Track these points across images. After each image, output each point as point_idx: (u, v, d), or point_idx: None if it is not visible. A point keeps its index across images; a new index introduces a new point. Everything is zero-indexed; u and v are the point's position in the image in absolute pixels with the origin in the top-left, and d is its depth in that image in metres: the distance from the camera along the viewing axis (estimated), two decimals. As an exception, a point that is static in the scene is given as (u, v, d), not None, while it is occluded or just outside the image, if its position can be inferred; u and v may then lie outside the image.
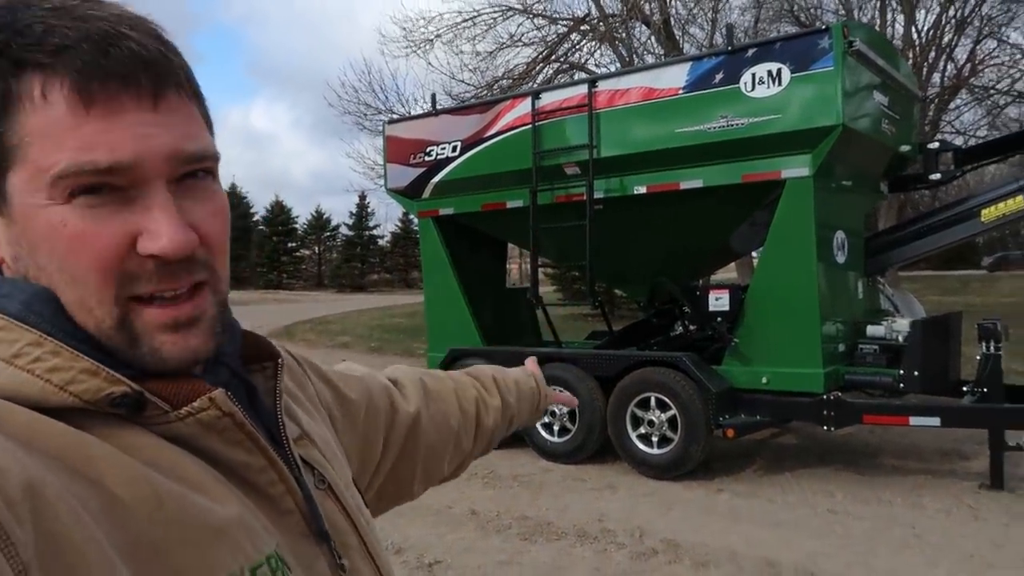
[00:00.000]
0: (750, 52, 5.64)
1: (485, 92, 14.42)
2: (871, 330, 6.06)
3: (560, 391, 1.47)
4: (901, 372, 5.62)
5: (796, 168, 5.52)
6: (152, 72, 0.58)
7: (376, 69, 20.77)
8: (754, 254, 9.29)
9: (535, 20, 15.00)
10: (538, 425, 6.58)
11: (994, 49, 15.64)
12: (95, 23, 0.57)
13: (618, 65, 14.54)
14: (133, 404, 0.57)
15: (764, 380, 5.80)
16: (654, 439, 5.96)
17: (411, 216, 7.86)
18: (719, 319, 6.10)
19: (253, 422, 0.64)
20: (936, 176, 6.71)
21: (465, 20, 14.86)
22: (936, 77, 15.77)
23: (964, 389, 5.84)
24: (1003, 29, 15.37)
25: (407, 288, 45.76)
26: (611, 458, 6.33)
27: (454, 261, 7.59)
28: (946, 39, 15.33)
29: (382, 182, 8.09)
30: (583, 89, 6.48)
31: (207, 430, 0.60)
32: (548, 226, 6.84)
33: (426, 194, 7.59)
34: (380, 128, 8.32)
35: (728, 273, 14.20)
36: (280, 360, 0.73)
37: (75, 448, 0.53)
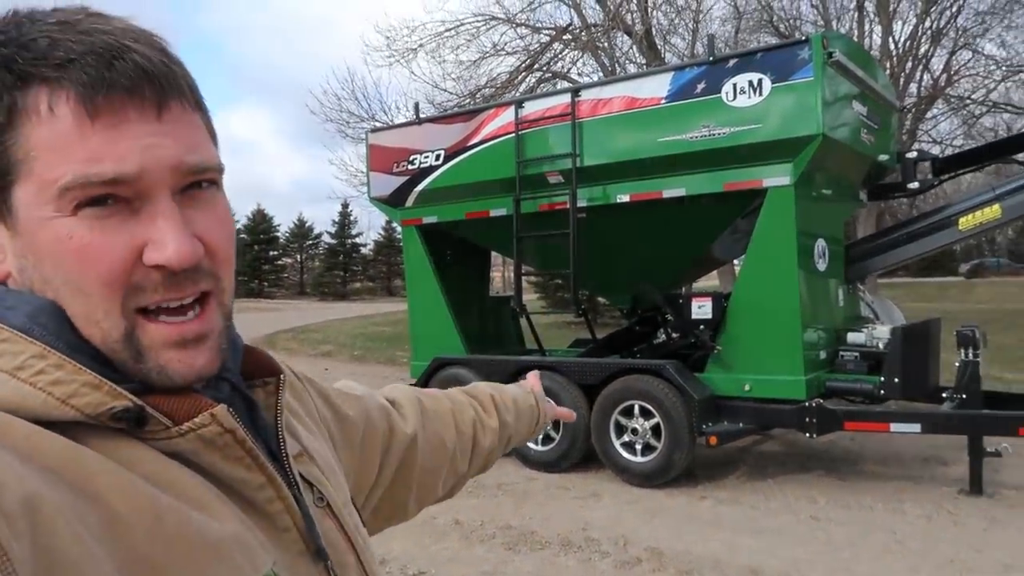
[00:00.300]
0: (731, 62, 5.69)
1: (468, 101, 14.44)
2: (852, 337, 6.12)
3: (553, 403, 1.46)
4: (882, 379, 5.67)
5: (777, 177, 5.57)
6: (156, 84, 0.58)
7: (359, 77, 20.77)
8: (736, 262, 9.37)
9: (518, 29, 15.07)
10: (522, 434, 6.57)
11: (969, 60, 15.90)
12: (100, 36, 0.57)
13: (601, 74, 14.62)
14: (134, 419, 0.57)
15: (746, 387, 5.83)
16: (638, 447, 5.98)
17: (394, 224, 7.86)
18: (702, 327, 6.13)
19: (253, 438, 0.63)
20: (914, 185, 6.79)
21: (448, 29, 14.91)
22: (913, 87, 15.98)
23: (943, 395, 5.90)
24: (977, 40, 15.62)
25: (390, 296, 45.66)
26: (595, 466, 6.34)
27: (438, 269, 7.59)
28: (922, 50, 15.56)
29: (365, 190, 8.09)
30: (566, 98, 6.51)
31: (208, 446, 0.60)
32: (532, 234, 6.85)
33: (409, 202, 7.58)
34: (363, 136, 8.30)
35: (711, 281, 14.29)
36: (282, 376, 0.73)
37: (75, 462, 0.53)
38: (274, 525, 0.64)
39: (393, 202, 7.71)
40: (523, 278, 7.43)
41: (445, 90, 15.39)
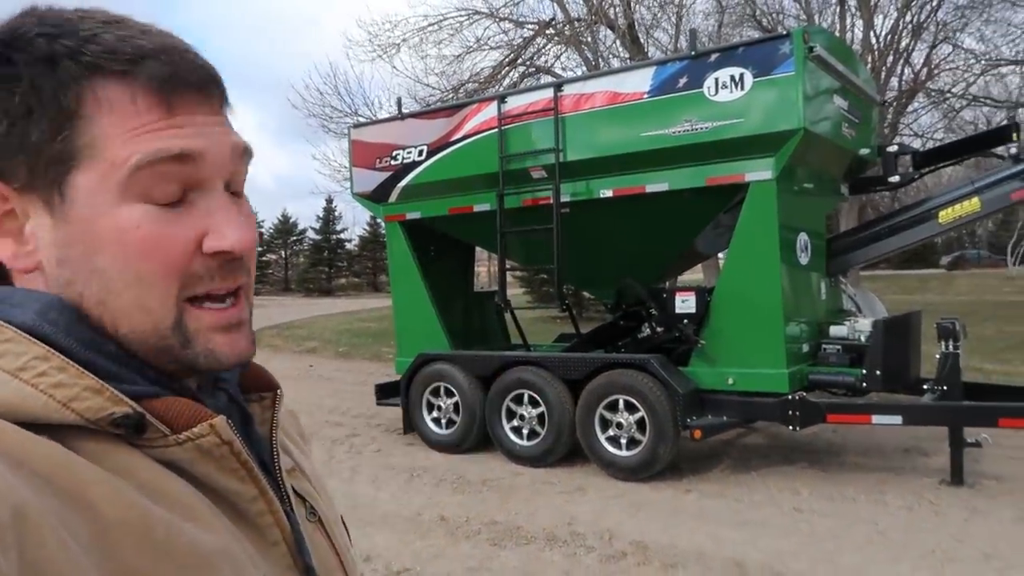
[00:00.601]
0: (713, 57, 5.70)
1: (451, 96, 14.40)
2: (834, 330, 6.16)
3: None
4: (863, 371, 5.71)
5: (759, 171, 5.59)
6: (216, 83, 0.64)
7: (342, 72, 20.48)
8: (721, 256, 9.41)
9: (501, 24, 15.03)
10: (507, 429, 6.58)
11: (949, 54, 15.99)
12: (159, 38, 0.61)
13: (584, 69, 14.62)
14: (134, 426, 0.56)
15: (730, 381, 5.86)
16: (623, 441, 5.99)
17: (379, 220, 7.83)
18: (685, 321, 6.16)
19: (248, 451, 0.63)
20: (895, 178, 6.85)
21: (431, 24, 14.85)
22: (894, 81, 16.08)
23: (924, 387, 5.96)
24: (957, 35, 15.72)
25: (375, 292, 45.48)
26: (580, 461, 6.35)
27: (422, 265, 7.57)
28: (903, 44, 15.64)
29: (348, 185, 8.03)
30: (549, 93, 6.50)
31: (204, 456, 0.59)
32: (515, 230, 6.85)
33: (392, 198, 7.55)
34: (346, 131, 8.25)
35: (695, 275, 14.35)
36: (279, 391, 0.73)
37: (67, 470, 0.52)
38: (263, 538, 0.63)
39: (376, 198, 7.68)
40: (508, 273, 7.43)
41: (428, 85, 15.36)
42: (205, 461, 0.60)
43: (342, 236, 50.39)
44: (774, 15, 15.94)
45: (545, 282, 15.78)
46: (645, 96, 5.94)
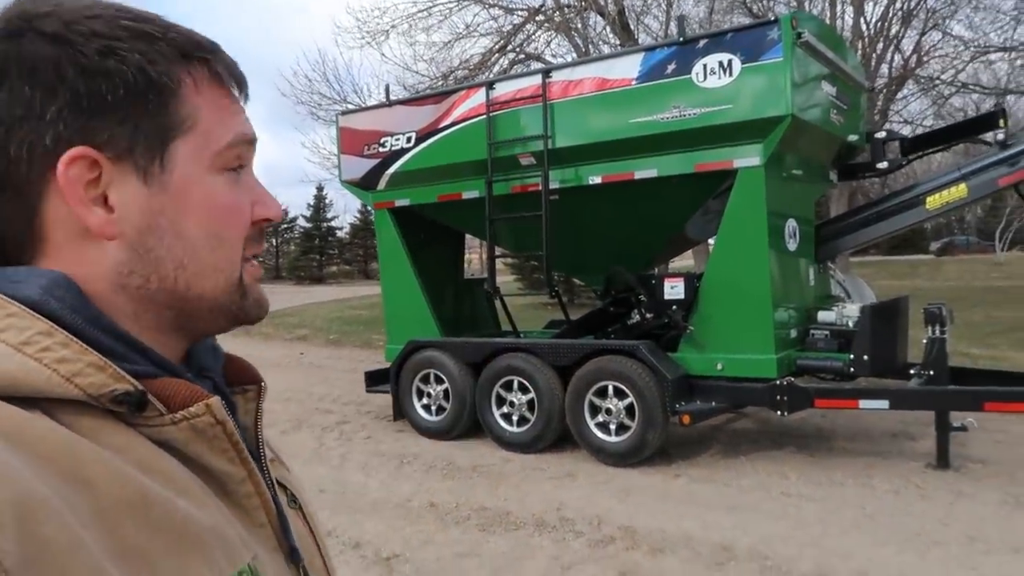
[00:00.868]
0: (701, 43, 5.69)
1: (441, 83, 14.32)
2: (822, 316, 6.19)
3: None
4: (851, 357, 5.74)
5: (747, 158, 5.59)
6: (246, 80, 0.72)
7: (331, 59, 20.47)
8: (711, 242, 9.42)
9: (491, 10, 14.93)
10: (497, 415, 6.60)
11: (939, 41, 15.99)
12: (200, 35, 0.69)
13: (574, 55, 14.55)
14: (135, 403, 0.57)
15: (719, 367, 5.88)
16: (612, 427, 6.01)
17: (369, 207, 7.81)
18: (674, 307, 6.17)
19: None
20: (883, 164, 6.86)
21: (420, 10, 14.73)
22: (885, 68, 16.08)
23: (911, 372, 6.00)
24: (947, 21, 15.70)
25: (367, 279, 45.35)
26: (570, 447, 6.37)
27: (411, 252, 7.56)
28: (893, 31, 15.63)
29: (338, 173, 8.00)
30: (537, 80, 6.47)
31: (198, 436, 0.60)
32: (504, 216, 6.84)
33: (381, 185, 7.52)
34: (335, 118, 8.21)
35: (686, 261, 14.37)
36: (263, 383, 0.75)
37: (66, 449, 0.52)
38: (251, 519, 0.65)
39: (365, 185, 7.65)
40: (499, 259, 7.42)
41: (417, 72, 15.26)
42: (198, 441, 0.61)
43: (333, 224, 50.20)
44: (765, 1, 15.90)
45: (536, 269, 15.76)
46: (633, 82, 5.92)
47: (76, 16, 0.60)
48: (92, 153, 0.60)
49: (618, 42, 14.24)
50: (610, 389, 6.04)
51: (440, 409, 7.01)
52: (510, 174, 6.68)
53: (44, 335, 0.56)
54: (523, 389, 6.49)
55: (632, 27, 14.59)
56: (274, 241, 52.54)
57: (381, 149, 7.39)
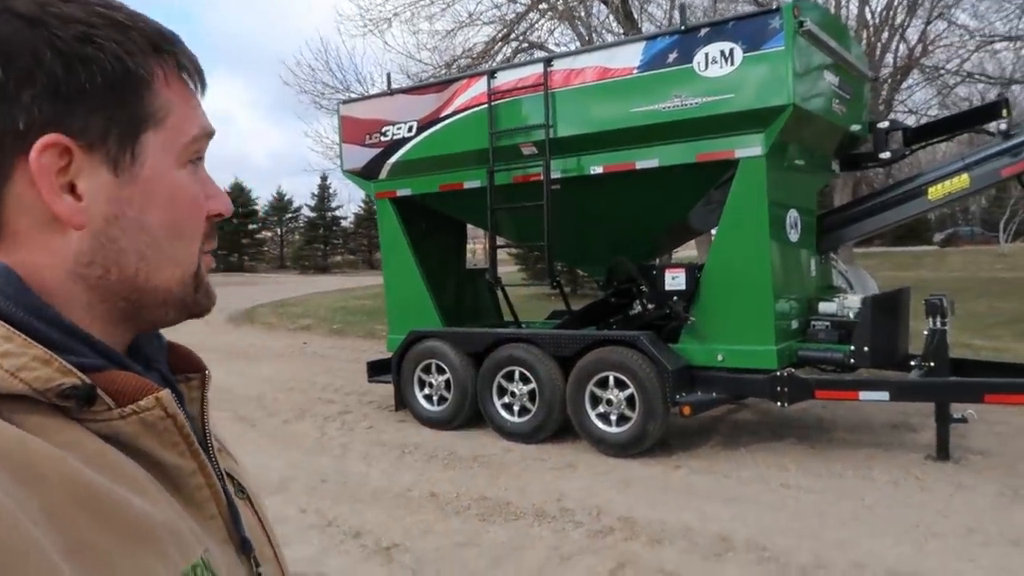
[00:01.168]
0: (703, 32, 5.65)
1: (443, 71, 14.26)
2: (823, 307, 6.18)
3: None
4: (852, 348, 5.73)
5: (749, 147, 5.57)
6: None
7: (333, 48, 20.37)
8: (714, 232, 9.40)
9: (494, -2, 14.83)
10: (498, 405, 6.61)
11: (944, 30, 15.89)
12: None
13: (577, 44, 14.48)
14: (83, 397, 0.56)
15: (719, 358, 5.88)
16: (613, 418, 6.02)
17: (371, 197, 7.81)
18: (675, 298, 6.16)
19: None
20: (886, 155, 6.83)
21: (423, -2, 14.64)
22: (889, 57, 15.98)
23: (912, 363, 5.99)
24: (952, 10, 15.60)
25: (371, 269, 45.38)
26: (571, 437, 6.38)
27: (413, 242, 7.55)
28: (898, 20, 15.52)
29: (340, 162, 7.99)
30: (538, 69, 6.45)
31: (147, 430, 0.59)
32: (506, 207, 6.83)
33: (383, 175, 7.51)
34: (337, 108, 8.19)
35: (689, 251, 14.34)
36: (207, 372, 0.74)
37: (16, 445, 0.51)
38: (201, 512, 0.64)
39: (366, 174, 7.64)
40: (503, 250, 7.41)
41: (420, 61, 15.20)
42: (148, 435, 0.60)
43: (337, 213, 50.25)
44: (769, -11, 15.79)
45: (540, 259, 15.75)
46: (635, 71, 5.89)
47: None
48: (65, 140, 0.59)
49: (621, 31, 14.16)
50: (611, 380, 6.04)
51: (441, 399, 7.02)
52: (512, 163, 6.66)
53: None
54: (524, 379, 6.50)
55: (636, 16, 14.50)
56: (279, 230, 52.59)
57: (383, 138, 7.38)
